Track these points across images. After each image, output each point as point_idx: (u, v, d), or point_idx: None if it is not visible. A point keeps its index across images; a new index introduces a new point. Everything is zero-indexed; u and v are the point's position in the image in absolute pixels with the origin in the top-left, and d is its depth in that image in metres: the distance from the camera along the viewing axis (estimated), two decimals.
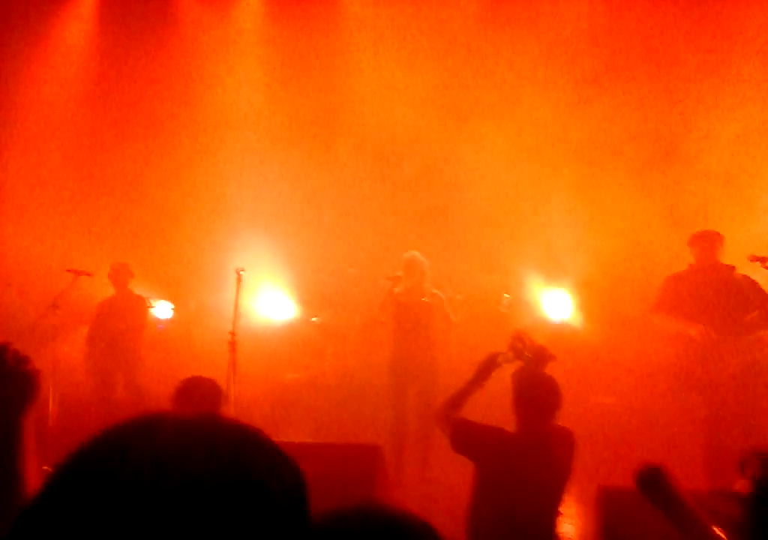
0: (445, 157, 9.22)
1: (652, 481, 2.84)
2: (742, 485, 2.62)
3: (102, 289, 8.49)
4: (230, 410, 6.86)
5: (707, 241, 7.01)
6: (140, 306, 8.45)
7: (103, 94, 9.67)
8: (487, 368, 4.42)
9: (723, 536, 2.66)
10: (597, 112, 8.85)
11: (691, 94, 8.88)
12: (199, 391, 4.61)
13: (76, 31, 9.73)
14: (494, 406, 4.71)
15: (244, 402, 7.10)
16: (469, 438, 4.27)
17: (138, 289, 8.51)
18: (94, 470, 0.93)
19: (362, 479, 5.46)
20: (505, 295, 8.47)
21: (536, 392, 4.22)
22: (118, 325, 8.24)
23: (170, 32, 9.60)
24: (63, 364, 7.78)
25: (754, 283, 6.85)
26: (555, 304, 8.62)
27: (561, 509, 4.26)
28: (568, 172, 8.94)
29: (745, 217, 8.23)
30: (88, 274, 7.81)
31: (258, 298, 8.84)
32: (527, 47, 9.09)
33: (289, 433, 8.00)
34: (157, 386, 7.95)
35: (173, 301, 9.23)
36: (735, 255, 6.89)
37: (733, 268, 6.95)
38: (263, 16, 9.74)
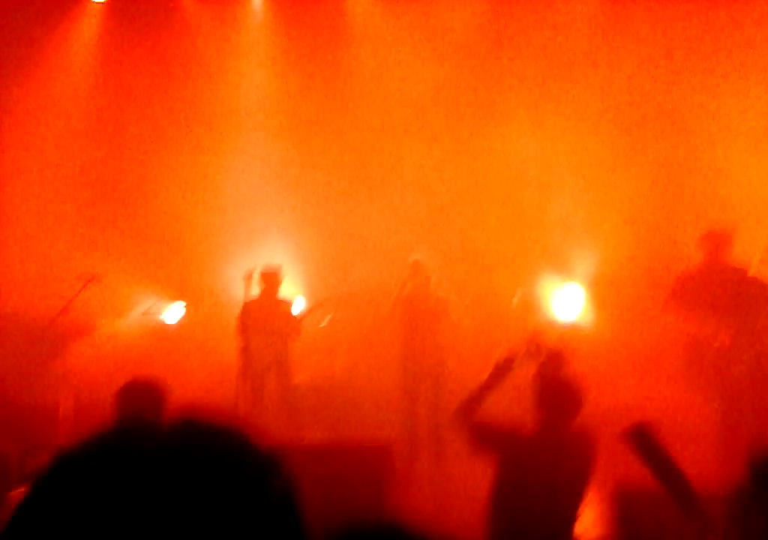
0: (448, 157, 9.14)
1: (639, 437, 3.21)
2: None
3: (110, 293, 8.38)
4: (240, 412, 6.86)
5: (713, 244, 6.93)
6: (290, 310, 8.14)
7: (107, 99, 9.45)
8: (501, 371, 4.39)
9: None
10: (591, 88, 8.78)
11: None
12: (140, 397, 4.27)
13: (81, 37, 9.55)
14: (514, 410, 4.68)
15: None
16: (485, 441, 4.24)
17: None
18: (82, 474, 0.90)
19: (372, 480, 5.43)
20: (519, 291, 8.49)
21: (556, 395, 4.19)
22: (273, 327, 7.88)
23: (175, 36, 9.42)
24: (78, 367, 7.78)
25: (764, 286, 6.82)
26: (567, 302, 8.57)
27: (581, 511, 4.22)
28: (575, 160, 8.84)
29: None
30: (97, 280, 7.81)
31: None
32: (528, 49, 9.01)
33: (301, 434, 7.96)
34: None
35: (186, 301, 9.15)
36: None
37: (744, 270, 6.91)
38: (268, 17, 9.63)
